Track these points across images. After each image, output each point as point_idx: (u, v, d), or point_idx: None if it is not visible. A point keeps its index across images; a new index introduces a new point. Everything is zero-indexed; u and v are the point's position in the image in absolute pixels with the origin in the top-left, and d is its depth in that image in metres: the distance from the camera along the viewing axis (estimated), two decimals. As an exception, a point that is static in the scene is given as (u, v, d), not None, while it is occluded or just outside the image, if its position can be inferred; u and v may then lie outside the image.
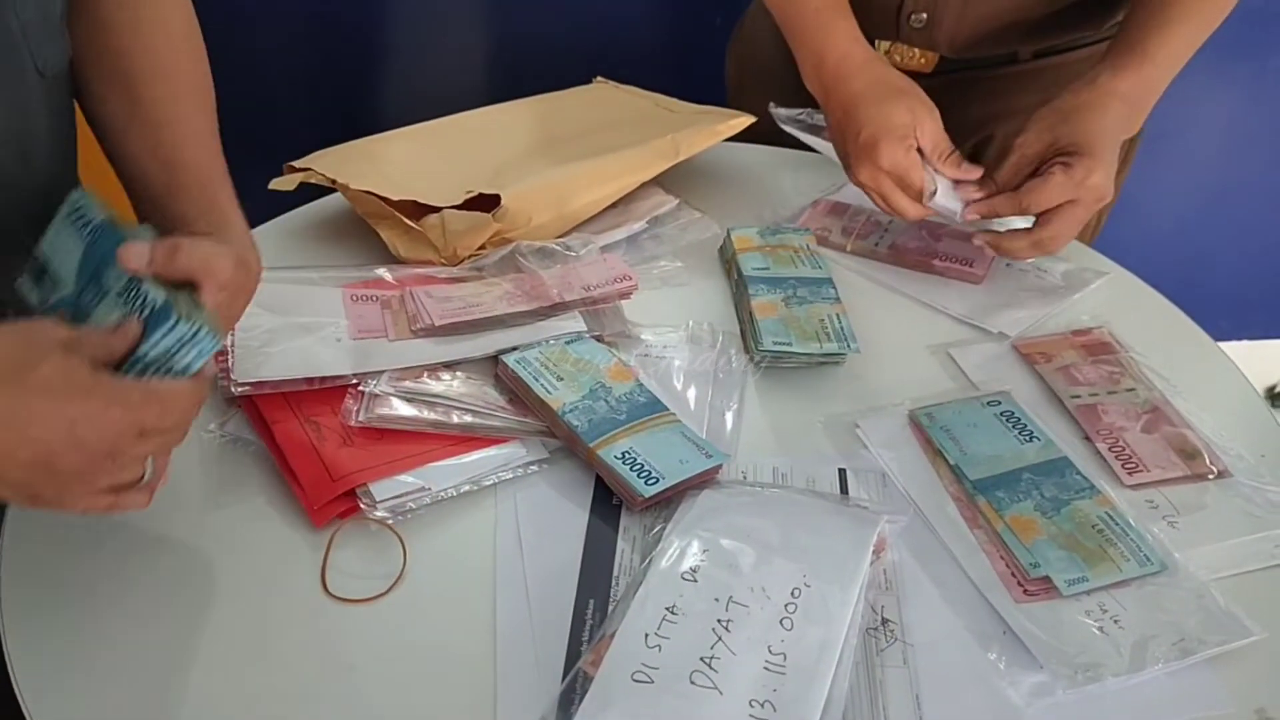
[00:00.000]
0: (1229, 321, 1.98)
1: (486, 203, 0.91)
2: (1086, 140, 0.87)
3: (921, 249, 0.98)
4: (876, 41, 1.06)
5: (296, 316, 0.82)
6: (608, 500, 0.74)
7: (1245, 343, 2.00)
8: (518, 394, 0.79)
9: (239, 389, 0.76)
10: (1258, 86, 1.75)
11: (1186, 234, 1.92)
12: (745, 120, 1.04)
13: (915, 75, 1.06)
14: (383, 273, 0.89)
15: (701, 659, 0.61)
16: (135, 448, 0.57)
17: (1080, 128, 0.88)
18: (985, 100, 1.08)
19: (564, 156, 1.01)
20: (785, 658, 0.61)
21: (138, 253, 0.59)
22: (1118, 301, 0.94)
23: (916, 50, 1.06)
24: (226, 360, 0.77)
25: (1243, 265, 1.96)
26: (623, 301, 0.89)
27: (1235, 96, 1.76)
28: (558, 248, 0.93)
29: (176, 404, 0.59)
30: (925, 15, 1.02)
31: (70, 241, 0.63)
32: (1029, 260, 0.96)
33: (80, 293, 0.62)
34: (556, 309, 0.86)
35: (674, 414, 0.78)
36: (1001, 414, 0.80)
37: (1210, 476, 0.77)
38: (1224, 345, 0.91)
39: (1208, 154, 1.83)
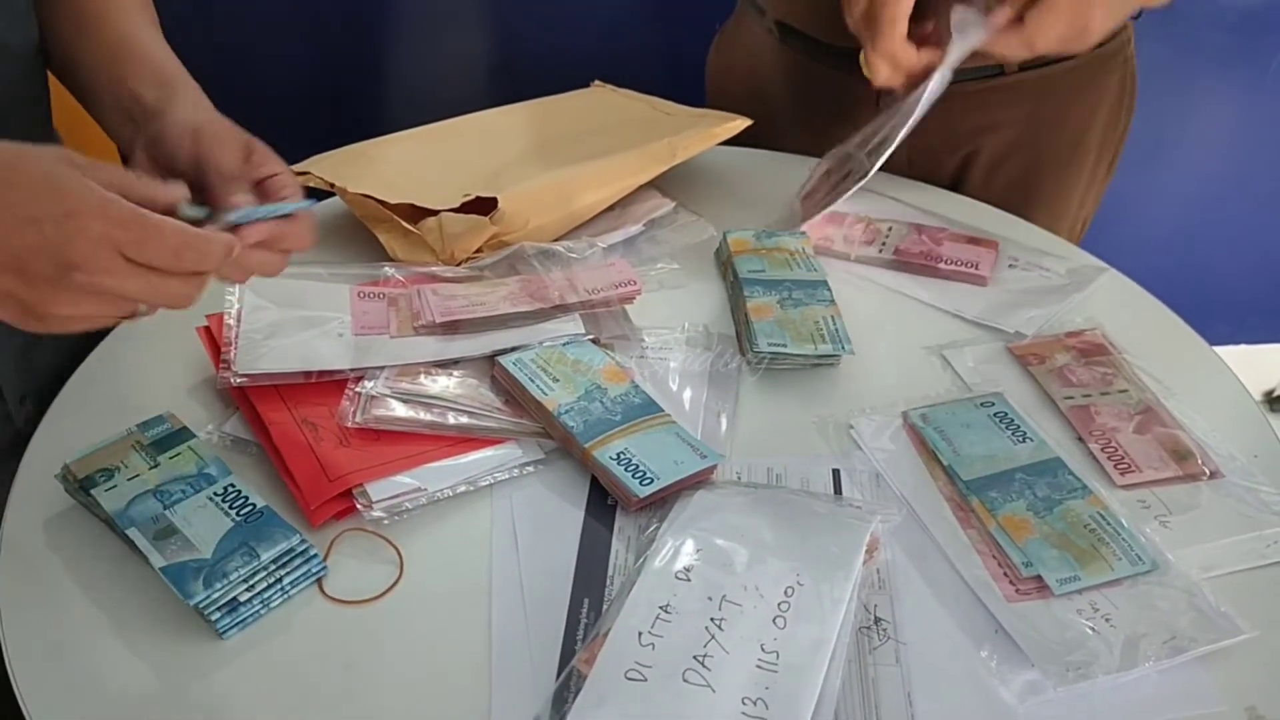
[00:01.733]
0: (1227, 325, 1.99)
1: (484, 205, 0.92)
2: None
3: (925, 254, 0.98)
4: (862, 53, 1.06)
5: (301, 311, 0.83)
6: (603, 500, 0.74)
7: (1244, 347, 2.01)
8: (514, 395, 0.80)
9: (238, 380, 0.76)
10: (1258, 90, 1.76)
11: (1185, 238, 1.92)
12: (741, 123, 1.04)
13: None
14: (392, 271, 0.90)
15: (695, 657, 0.61)
16: (113, 273, 0.54)
17: None
18: (971, 113, 1.08)
19: (561, 160, 1.01)
20: (778, 656, 0.62)
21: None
22: (1111, 304, 0.94)
23: None
24: (229, 351, 0.78)
25: (1241, 269, 1.97)
26: (625, 305, 0.90)
27: (1235, 100, 1.77)
28: (561, 250, 0.93)
29: (163, 239, 0.55)
30: None
31: None
32: (1031, 259, 0.97)
33: None
34: (557, 311, 0.87)
35: (669, 415, 0.78)
36: (995, 415, 0.80)
37: (1202, 477, 0.77)
38: (1222, 349, 0.91)
39: (1207, 158, 1.84)
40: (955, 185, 1.12)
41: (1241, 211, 1.90)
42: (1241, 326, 2.00)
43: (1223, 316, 1.97)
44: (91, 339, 0.86)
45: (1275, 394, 2.04)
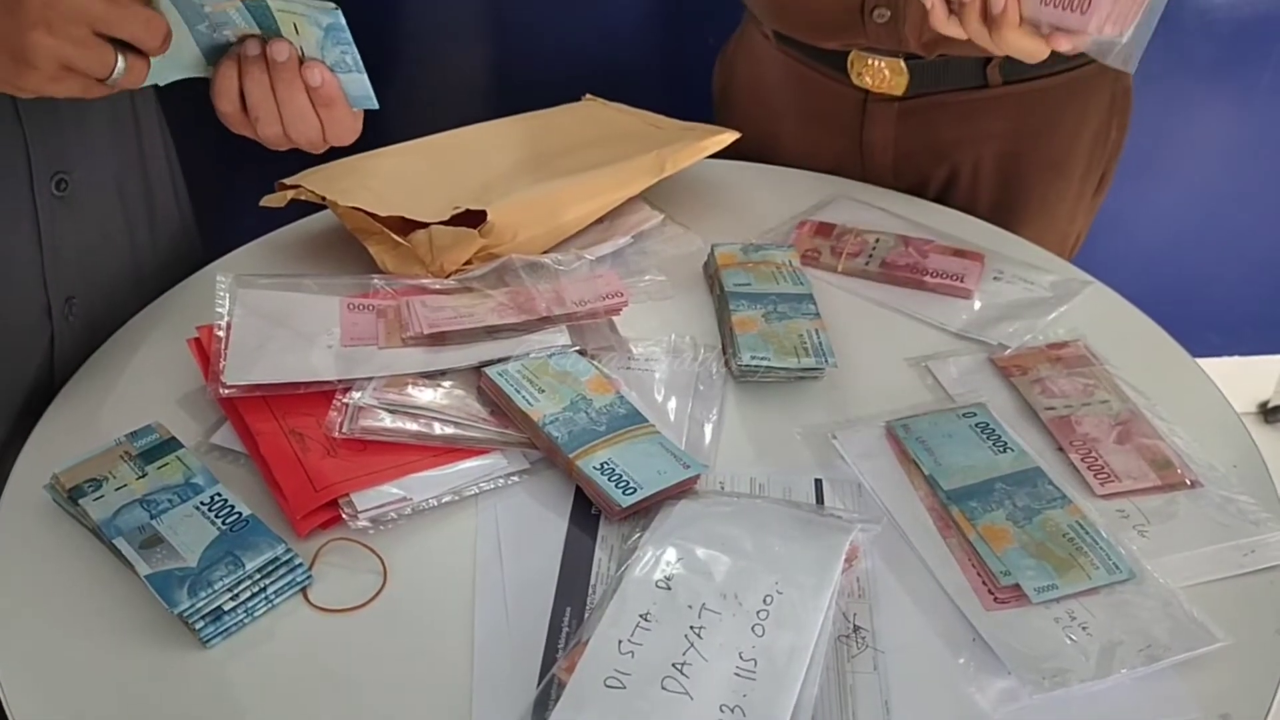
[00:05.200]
0: (1221, 337, 1.99)
1: (473, 218, 0.93)
2: None
3: (912, 266, 0.99)
4: (850, 58, 1.07)
5: (291, 323, 0.84)
6: (587, 510, 0.75)
7: (1236, 359, 2.01)
8: (499, 406, 0.80)
9: (226, 391, 0.77)
10: (1250, 102, 1.76)
11: (1179, 249, 1.93)
12: (730, 136, 1.05)
13: (887, 98, 1.08)
14: (381, 283, 0.91)
15: (673, 665, 0.62)
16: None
17: None
18: (955, 125, 1.09)
19: (551, 173, 1.02)
20: (756, 663, 0.62)
21: None
22: (1095, 316, 0.95)
23: (886, 71, 1.06)
24: (219, 362, 0.79)
25: (1235, 281, 1.97)
26: (612, 317, 0.91)
27: (1229, 112, 1.78)
28: (549, 262, 0.94)
29: None
30: (888, 11, 1.00)
31: None
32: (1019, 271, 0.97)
33: None
34: (544, 322, 0.88)
35: (653, 425, 0.79)
36: (976, 425, 0.81)
37: (1182, 487, 0.78)
38: (1216, 361, 0.91)
39: (1200, 170, 1.84)
40: (942, 197, 1.13)
41: (1236, 223, 1.90)
42: (1235, 338, 2.00)
43: (1216, 328, 1.97)
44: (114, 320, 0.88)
45: (1270, 405, 2.04)
